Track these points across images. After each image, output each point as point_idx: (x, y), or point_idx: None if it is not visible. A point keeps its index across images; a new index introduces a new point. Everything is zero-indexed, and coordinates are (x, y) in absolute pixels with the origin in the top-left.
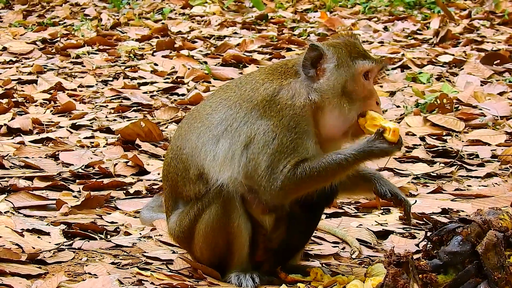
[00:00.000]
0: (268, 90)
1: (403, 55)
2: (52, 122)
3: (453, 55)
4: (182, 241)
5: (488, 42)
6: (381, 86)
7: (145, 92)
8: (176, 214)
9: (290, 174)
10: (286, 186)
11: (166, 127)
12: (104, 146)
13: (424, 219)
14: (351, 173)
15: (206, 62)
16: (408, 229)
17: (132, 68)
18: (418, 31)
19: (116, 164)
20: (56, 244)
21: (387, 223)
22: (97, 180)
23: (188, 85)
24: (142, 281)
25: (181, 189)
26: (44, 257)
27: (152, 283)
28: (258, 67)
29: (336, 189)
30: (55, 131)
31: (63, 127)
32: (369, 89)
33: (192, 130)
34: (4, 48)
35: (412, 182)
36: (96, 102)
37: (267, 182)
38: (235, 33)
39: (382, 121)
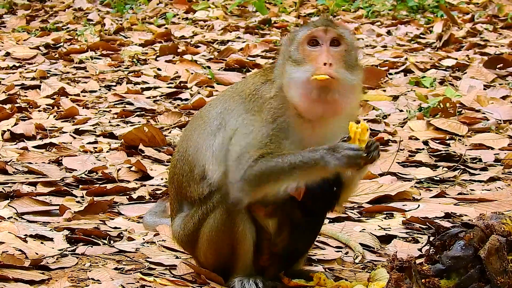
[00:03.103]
0: (255, 84)
1: (406, 59)
2: (55, 127)
3: (456, 59)
4: (186, 245)
5: (491, 46)
6: (384, 91)
7: (149, 97)
8: (180, 217)
9: (252, 165)
10: (247, 178)
11: (170, 132)
12: (107, 151)
13: (427, 223)
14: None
15: (209, 67)
16: (411, 234)
17: (135, 73)
18: (421, 35)
19: (120, 169)
20: (59, 250)
21: (390, 228)
22: (101, 186)
23: (191, 90)
24: (146, 287)
25: (185, 190)
26: (47, 262)
27: None
28: None
29: (338, 194)
30: (58, 136)
31: (66, 132)
32: (315, 56)
33: (194, 129)
34: (8, 54)
35: (415, 187)
36: (99, 107)
37: (232, 172)
38: (238, 37)
39: (353, 127)
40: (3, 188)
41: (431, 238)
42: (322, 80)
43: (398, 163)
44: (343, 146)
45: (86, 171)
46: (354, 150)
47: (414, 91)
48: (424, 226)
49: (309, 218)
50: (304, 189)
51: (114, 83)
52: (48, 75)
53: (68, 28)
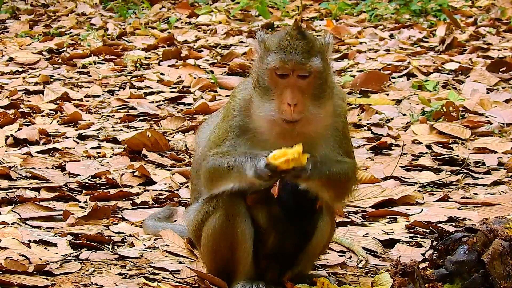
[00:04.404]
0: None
1: (409, 63)
2: (58, 132)
3: (459, 62)
4: (194, 236)
5: (494, 49)
6: (387, 94)
7: (152, 102)
8: (193, 210)
9: (207, 161)
10: (203, 173)
11: (173, 137)
12: (110, 156)
13: (430, 227)
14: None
15: (212, 71)
16: (414, 238)
17: (139, 77)
18: (424, 39)
19: (123, 174)
20: (63, 255)
21: (393, 232)
22: (104, 191)
23: (194, 95)
24: None
25: (196, 185)
26: (51, 268)
27: None
28: None
29: (315, 197)
30: (61, 141)
31: (70, 137)
32: (281, 88)
33: (204, 127)
34: (11, 59)
35: (418, 191)
36: (102, 112)
37: (200, 166)
38: (241, 42)
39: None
40: (6, 194)
41: (435, 243)
42: (287, 122)
43: (401, 167)
44: (259, 158)
45: (90, 176)
46: (264, 166)
47: (417, 94)
48: (427, 230)
49: (290, 216)
50: (280, 186)
51: (117, 88)
52: (51, 80)
53: (71, 33)
